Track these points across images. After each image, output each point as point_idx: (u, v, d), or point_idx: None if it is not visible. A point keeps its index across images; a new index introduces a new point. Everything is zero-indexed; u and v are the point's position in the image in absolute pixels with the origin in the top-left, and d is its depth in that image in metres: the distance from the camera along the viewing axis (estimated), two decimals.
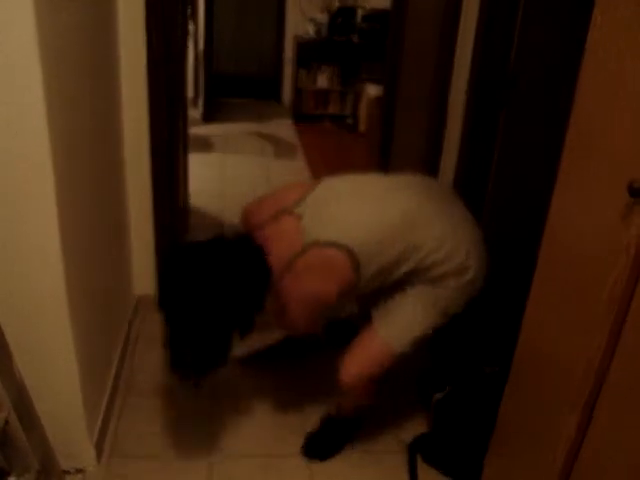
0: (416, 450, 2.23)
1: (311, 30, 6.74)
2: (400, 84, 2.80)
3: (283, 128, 6.54)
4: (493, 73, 2.34)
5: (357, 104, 6.71)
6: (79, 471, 2.00)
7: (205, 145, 5.60)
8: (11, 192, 1.56)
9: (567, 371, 1.29)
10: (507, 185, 2.38)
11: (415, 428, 2.33)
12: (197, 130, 6.04)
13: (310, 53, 6.76)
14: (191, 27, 6.38)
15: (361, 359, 1.95)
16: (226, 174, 4.86)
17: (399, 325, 1.93)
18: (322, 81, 6.88)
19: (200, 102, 6.39)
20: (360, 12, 6.64)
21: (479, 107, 2.40)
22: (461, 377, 2.33)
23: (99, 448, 2.06)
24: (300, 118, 6.87)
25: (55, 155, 1.56)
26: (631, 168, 1.05)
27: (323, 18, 6.73)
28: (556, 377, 1.36)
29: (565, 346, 1.32)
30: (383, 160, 2.97)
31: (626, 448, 1.12)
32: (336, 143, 6.37)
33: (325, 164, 5.45)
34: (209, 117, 6.42)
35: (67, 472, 1.94)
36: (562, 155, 1.31)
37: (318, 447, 2.21)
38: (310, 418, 2.30)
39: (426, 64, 2.74)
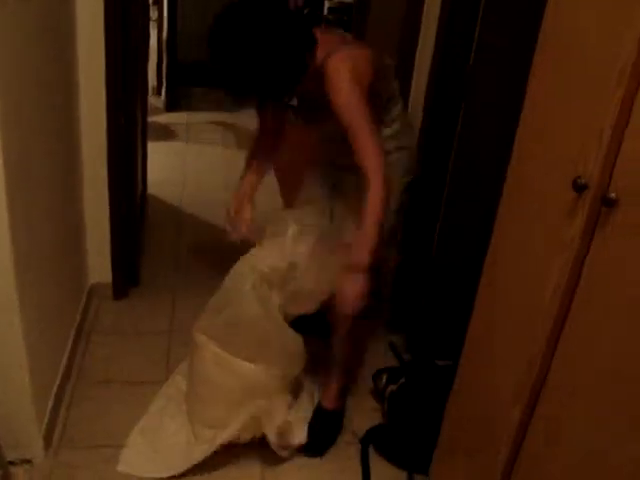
0: (369, 441, 2.25)
1: None
2: None
3: (247, 118, 6.47)
4: (453, 68, 2.36)
5: None
6: (25, 461, 1.96)
7: (167, 134, 5.53)
8: None
9: (512, 364, 1.31)
10: (465, 177, 2.40)
11: (370, 420, 2.34)
12: (159, 118, 5.96)
13: None
14: (155, 14, 6.28)
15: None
16: (187, 163, 4.80)
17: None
18: None
19: (163, 90, 6.30)
20: (327, 4, 6.62)
21: (438, 102, 2.42)
22: (414, 370, 2.36)
23: (48, 438, 2.03)
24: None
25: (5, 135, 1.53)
26: (576, 165, 1.07)
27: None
28: (501, 370, 1.38)
29: (510, 340, 1.34)
30: None
31: (566, 439, 1.16)
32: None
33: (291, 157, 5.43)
34: (173, 106, 6.32)
35: (12, 463, 1.91)
36: (512, 152, 1.33)
37: (316, 443, 2.22)
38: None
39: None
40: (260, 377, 2.10)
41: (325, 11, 6.62)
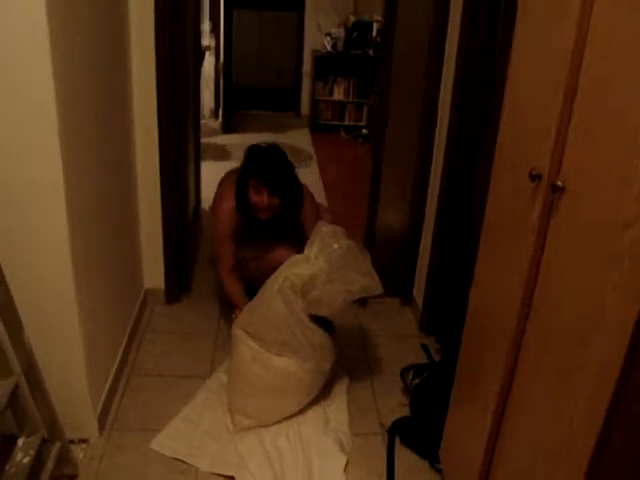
0: (395, 432, 2.39)
1: (328, 44, 6.98)
2: (391, 96, 3.03)
3: (300, 138, 6.76)
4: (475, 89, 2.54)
5: (372, 115, 6.91)
6: (82, 441, 2.22)
7: (223, 154, 5.85)
8: (21, 185, 1.79)
9: (495, 338, 1.46)
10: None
11: (398, 415, 2.48)
12: (216, 140, 6.31)
13: (327, 66, 7.01)
14: (212, 42, 6.66)
15: None
16: None
17: None
18: (338, 93, 7.11)
19: (220, 113, 6.65)
20: (376, 26, 6.86)
21: (462, 112, 2.60)
22: (438, 366, 2.49)
23: (102, 421, 2.28)
24: (317, 128, 7.11)
25: (64, 153, 1.79)
26: (533, 159, 1.23)
27: (339, 33, 6.97)
28: (489, 343, 1.53)
29: (495, 315, 1.49)
30: (376, 163, 3.22)
31: (538, 403, 1.29)
32: (350, 152, 6.57)
33: (336, 172, 5.66)
34: (229, 128, 6.68)
35: (72, 441, 2.15)
36: (495, 154, 1.50)
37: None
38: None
39: (416, 77, 2.98)
40: (295, 370, 2.30)
41: (374, 33, 6.87)
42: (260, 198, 2.54)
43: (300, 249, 2.43)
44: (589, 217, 1.08)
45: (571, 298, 1.14)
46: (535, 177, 1.20)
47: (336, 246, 2.33)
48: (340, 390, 2.61)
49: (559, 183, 1.14)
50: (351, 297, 2.32)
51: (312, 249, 2.34)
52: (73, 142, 1.90)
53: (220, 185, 2.86)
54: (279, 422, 2.38)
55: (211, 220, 4.11)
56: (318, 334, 2.33)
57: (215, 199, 2.81)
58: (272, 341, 2.29)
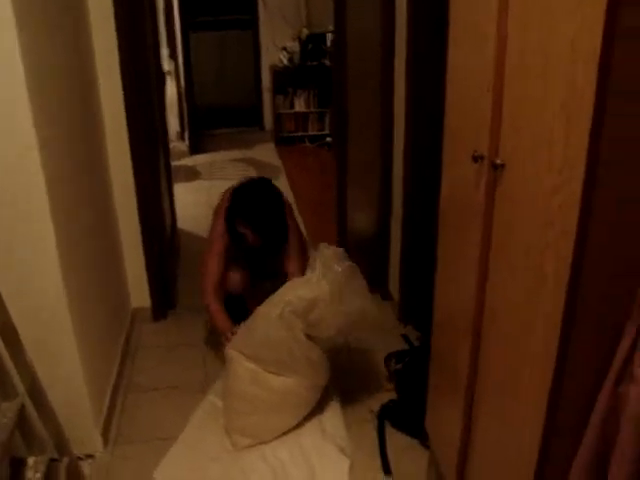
0: (384, 417, 2.53)
1: (284, 58, 7.15)
2: (350, 103, 3.19)
3: (265, 152, 6.91)
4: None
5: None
6: (89, 456, 2.32)
7: (192, 174, 5.98)
8: (13, 217, 1.92)
9: (461, 310, 1.62)
10: None
11: (385, 399, 2.62)
12: (186, 162, 6.43)
13: (285, 80, 7.18)
14: (172, 66, 6.78)
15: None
16: (211, 199, 5.19)
17: None
18: (299, 105, 7.28)
19: (186, 135, 6.78)
20: (329, 37, 7.04)
21: (417, 122, 2.78)
22: (418, 351, 2.64)
23: (105, 436, 2.38)
24: (282, 141, 7.26)
25: (49, 188, 1.93)
26: (475, 143, 1.40)
27: (295, 46, 7.15)
28: (455, 320, 1.69)
29: (457, 291, 1.65)
30: (340, 171, 3.39)
31: (500, 364, 1.45)
32: (316, 161, 6.74)
33: (305, 182, 5.81)
34: (196, 149, 6.80)
35: (79, 458, 2.25)
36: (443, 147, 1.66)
37: None
38: None
39: (371, 82, 3.14)
40: (293, 388, 2.37)
41: (328, 43, 7.05)
42: (247, 232, 2.63)
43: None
44: (526, 188, 1.24)
45: (518, 262, 1.29)
46: (478, 158, 1.36)
47: (338, 268, 2.34)
48: (332, 396, 2.66)
49: (498, 161, 1.30)
50: (350, 319, 2.36)
51: (315, 271, 2.35)
52: (57, 178, 2.04)
53: (222, 199, 2.86)
54: (278, 437, 2.43)
55: (189, 239, 4.26)
56: (316, 351, 2.38)
57: (216, 211, 2.85)
58: (270, 361, 2.32)
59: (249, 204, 2.65)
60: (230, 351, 2.40)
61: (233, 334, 2.48)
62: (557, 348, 1.18)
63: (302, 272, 2.53)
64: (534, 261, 1.21)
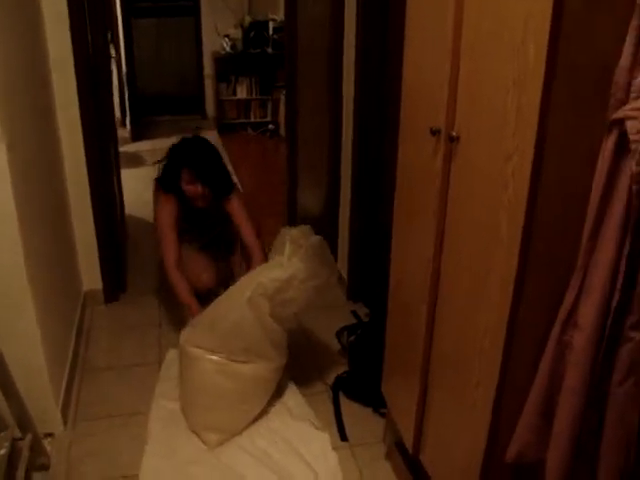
0: (338, 388, 2.64)
1: (227, 46, 7.14)
2: (298, 89, 3.26)
3: (209, 139, 6.88)
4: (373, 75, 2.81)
5: (276, 110, 7.16)
6: (48, 435, 2.32)
7: (136, 161, 5.91)
8: None
9: (418, 273, 1.73)
10: None
11: (338, 371, 2.73)
12: (128, 148, 6.34)
13: (228, 67, 7.18)
14: (113, 52, 6.67)
15: None
16: None
17: None
18: (241, 92, 7.30)
19: (127, 122, 6.69)
20: (271, 24, 7.08)
21: (365, 105, 2.88)
22: (369, 324, 2.76)
23: (64, 414, 2.39)
24: (224, 128, 7.26)
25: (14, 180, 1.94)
26: (433, 117, 1.51)
27: (237, 33, 7.14)
28: (412, 279, 1.81)
29: (415, 257, 1.76)
30: (291, 152, 3.46)
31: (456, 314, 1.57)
32: (259, 148, 6.79)
33: (249, 169, 5.86)
34: (138, 136, 6.72)
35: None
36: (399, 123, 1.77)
37: None
38: None
39: (320, 67, 3.22)
40: (262, 374, 2.35)
41: (270, 31, 7.09)
42: (194, 188, 2.71)
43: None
44: (480, 157, 1.35)
45: (475, 225, 1.41)
46: (435, 132, 1.47)
47: (308, 243, 2.34)
48: (286, 373, 2.58)
49: (454, 134, 1.42)
50: (318, 291, 2.33)
51: (284, 253, 2.31)
52: (20, 162, 2.06)
53: (154, 192, 2.92)
54: (247, 427, 2.40)
55: (136, 224, 4.25)
56: (279, 332, 2.34)
57: (154, 202, 2.91)
58: (238, 349, 2.28)
59: (190, 151, 2.79)
60: (190, 349, 2.33)
61: (195, 312, 2.54)
62: (510, 304, 1.31)
63: (256, 236, 2.74)
64: (490, 221, 1.33)
